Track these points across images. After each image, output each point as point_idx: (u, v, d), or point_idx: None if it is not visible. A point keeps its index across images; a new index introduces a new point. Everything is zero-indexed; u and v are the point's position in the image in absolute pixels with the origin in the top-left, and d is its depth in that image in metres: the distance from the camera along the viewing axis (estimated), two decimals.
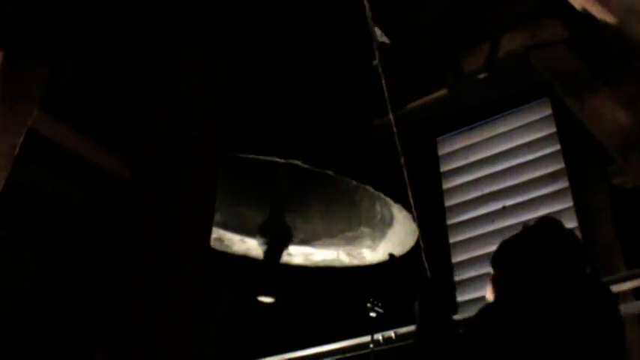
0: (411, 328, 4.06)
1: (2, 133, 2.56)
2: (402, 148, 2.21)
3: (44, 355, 4.30)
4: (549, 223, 2.19)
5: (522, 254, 2.14)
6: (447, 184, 4.44)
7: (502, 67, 3.47)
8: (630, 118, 2.89)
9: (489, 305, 2.09)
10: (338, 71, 2.94)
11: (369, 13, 2.50)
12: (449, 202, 4.38)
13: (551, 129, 4.18)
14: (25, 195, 4.01)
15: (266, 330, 4.54)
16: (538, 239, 2.13)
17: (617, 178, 3.37)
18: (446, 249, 4.28)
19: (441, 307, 2.23)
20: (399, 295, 4.15)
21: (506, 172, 4.26)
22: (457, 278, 4.26)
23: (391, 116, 2.31)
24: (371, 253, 3.10)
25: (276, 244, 2.87)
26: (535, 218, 2.32)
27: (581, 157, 3.88)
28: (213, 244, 3.05)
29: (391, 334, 4.05)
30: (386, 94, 2.36)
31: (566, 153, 4.02)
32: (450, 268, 4.30)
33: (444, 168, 4.52)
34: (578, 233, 2.71)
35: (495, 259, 2.29)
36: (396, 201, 2.70)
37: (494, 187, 4.26)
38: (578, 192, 3.81)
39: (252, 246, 3.12)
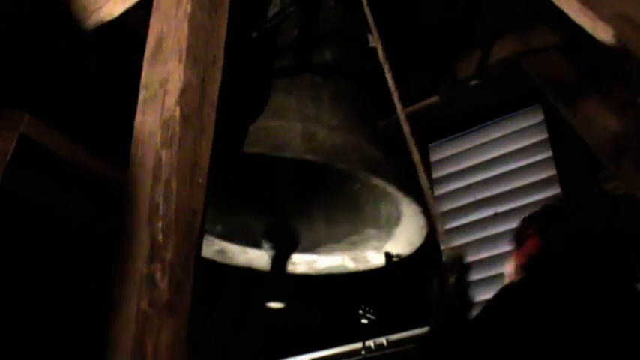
0: (403, 334, 4.08)
1: None
2: (415, 143, 2.20)
3: None
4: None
5: (555, 233, 2.12)
6: (439, 191, 4.44)
7: (494, 74, 3.47)
8: (622, 125, 2.90)
9: (513, 283, 2.07)
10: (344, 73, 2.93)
11: (368, 15, 2.50)
12: (441, 209, 4.38)
13: (542, 135, 4.19)
14: (18, 202, 4.00)
15: (259, 337, 4.53)
16: (574, 220, 2.10)
17: (609, 185, 3.38)
18: (438, 255, 4.28)
19: (458, 290, 2.19)
20: (390, 302, 4.16)
21: (498, 179, 4.26)
22: None
23: (402, 114, 2.30)
24: (377, 256, 3.04)
25: (283, 249, 2.84)
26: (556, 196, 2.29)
27: (573, 164, 3.88)
28: (215, 256, 3.04)
29: (383, 340, 4.07)
30: (394, 92, 2.34)
31: (557, 159, 4.03)
32: None
33: (436, 174, 4.52)
34: None
35: (520, 235, 2.25)
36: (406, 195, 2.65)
37: (486, 194, 4.27)
38: (570, 198, 3.82)
39: (254, 256, 3.07)
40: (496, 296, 2.02)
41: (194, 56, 2.09)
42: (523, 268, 2.16)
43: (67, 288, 4.39)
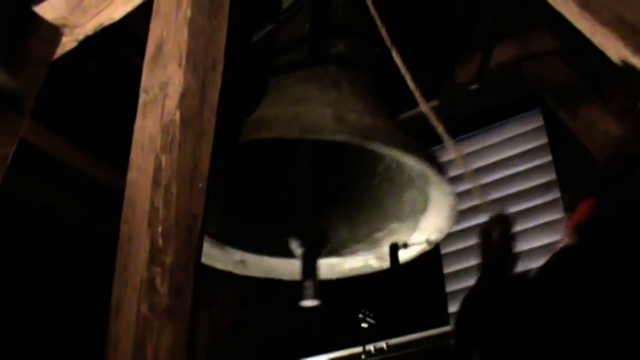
0: (403, 338, 4.08)
1: None
2: (446, 131, 2.22)
3: None
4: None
5: (608, 195, 2.11)
6: None
7: (493, 78, 3.47)
8: (622, 129, 2.90)
9: (567, 246, 2.06)
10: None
11: (375, 15, 2.50)
12: None
13: (542, 140, 4.19)
14: (18, 205, 4.00)
15: (258, 342, 4.53)
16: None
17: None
18: (437, 260, 4.28)
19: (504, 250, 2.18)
20: (391, 306, 4.16)
21: (497, 183, 4.26)
22: (449, 289, 4.26)
23: (426, 107, 2.31)
24: (403, 251, 2.95)
25: (313, 246, 2.81)
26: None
27: (573, 168, 3.88)
28: (236, 268, 3.02)
29: (383, 344, 4.06)
30: (414, 89, 2.35)
31: (557, 164, 4.03)
32: (441, 279, 4.30)
33: None
34: None
35: (572, 201, 2.25)
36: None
37: (486, 198, 4.27)
38: (570, 204, 3.82)
39: (278, 265, 3.05)
40: (551, 259, 2.01)
41: (194, 60, 2.09)
42: (577, 231, 2.15)
43: (67, 291, 4.39)
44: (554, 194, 3.97)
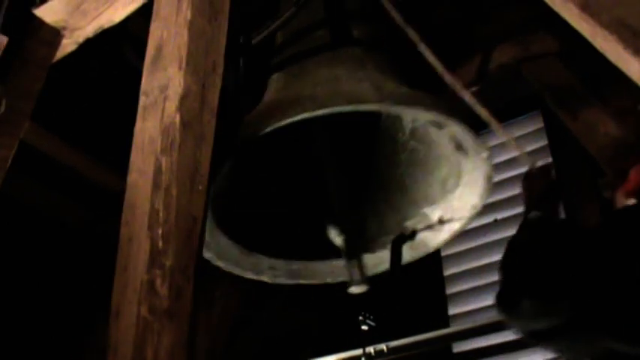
0: (404, 341, 4.07)
1: None
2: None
3: None
4: None
5: None
6: None
7: (493, 80, 3.47)
8: (622, 131, 2.90)
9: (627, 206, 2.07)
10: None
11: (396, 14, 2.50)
12: None
13: (542, 142, 4.19)
14: (18, 207, 4.01)
15: (259, 344, 4.52)
16: None
17: (609, 191, 3.37)
18: (437, 262, 4.28)
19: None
20: (391, 308, 4.16)
21: (498, 186, 4.25)
22: (449, 291, 4.25)
23: (465, 92, 2.31)
24: (435, 236, 2.90)
25: (353, 231, 2.75)
26: None
27: (573, 170, 3.88)
28: (265, 276, 2.98)
29: (383, 347, 4.06)
30: (449, 78, 2.34)
31: (557, 166, 4.02)
32: (441, 281, 4.30)
33: None
34: None
35: (621, 171, 2.26)
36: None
37: (487, 200, 4.26)
38: (570, 205, 3.82)
39: (307, 269, 2.99)
40: (615, 215, 2.02)
41: (194, 63, 2.10)
42: (633, 194, 2.17)
43: (67, 292, 4.39)
44: None
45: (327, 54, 2.74)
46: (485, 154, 2.60)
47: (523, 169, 4.16)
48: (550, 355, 3.70)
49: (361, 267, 2.69)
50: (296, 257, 2.97)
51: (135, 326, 1.63)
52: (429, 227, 2.89)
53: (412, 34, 2.48)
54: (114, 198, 2.17)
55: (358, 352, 4.09)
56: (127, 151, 2.04)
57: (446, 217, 2.86)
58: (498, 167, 4.30)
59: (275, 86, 2.78)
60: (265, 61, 2.93)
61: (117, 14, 2.70)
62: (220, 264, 2.82)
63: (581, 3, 1.86)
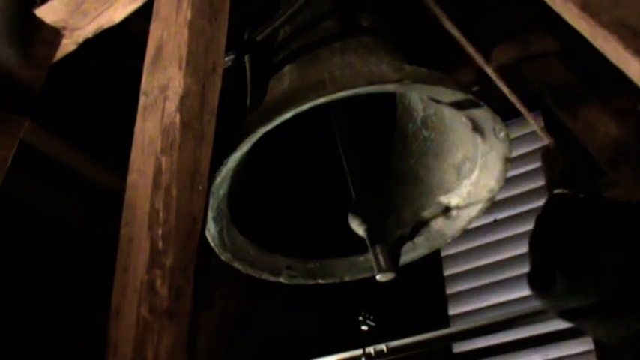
0: (404, 341, 4.08)
1: None
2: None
3: None
4: None
5: None
6: None
7: (493, 80, 3.47)
8: (622, 131, 2.90)
9: None
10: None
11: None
12: None
13: (542, 142, 4.19)
14: (18, 207, 4.01)
15: (259, 343, 4.53)
16: None
17: (609, 191, 3.37)
18: (437, 262, 4.28)
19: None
20: (391, 308, 4.16)
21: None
22: (449, 291, 4.26)
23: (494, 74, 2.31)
24: (452, 224, 2.85)
25: (376, 219, 2.68)
26: None
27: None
28: (281, 276, 2.94)
29: (383, 347, 4.06)
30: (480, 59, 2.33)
31: None
32: (441, 281, 4.30)
33: None
34: None
35: None
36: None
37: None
38: None
39: (324, 267, 2.95)
40: None
41: (194, 63, 2.10)
42: None
43: (67, 293, 4.39)
44: None
45: (337, 44, 2.69)
46: (502, 134, 2.55)
47: (523, 169, 4.19)
48: (551, 355, 3.71)
49: (386, 254, 2.62)
50: (313, 256, 2.94)
51: (135, 326, 1.63)
52: (445, 216, 2.85)
53: (451, 28, 2.47)
54: (114, 198, 2.17)
55: (358, 352, 4.09)
56: (127, 151, 2.04)
57: (462, 204, 2.81)
58: None
59: (288, 76, 2.72)
60: (272, 56, 2.93)
61: (117, 14, 2.70)
62: (237, 265, 2.79)
63: (581, 3, 1.86)
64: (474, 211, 2.82)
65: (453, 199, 2.83)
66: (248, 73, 2.74)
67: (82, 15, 2.72)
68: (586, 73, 3.10)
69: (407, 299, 4.18)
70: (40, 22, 2.73)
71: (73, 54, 2.86)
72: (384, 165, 3.00)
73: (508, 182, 4.19)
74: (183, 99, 2.01)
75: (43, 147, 3.67)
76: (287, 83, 2.67)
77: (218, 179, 2.28)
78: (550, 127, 4.11)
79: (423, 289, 4.24)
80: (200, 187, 1.94)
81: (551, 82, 3.22)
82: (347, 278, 2.97)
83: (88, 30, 2.76)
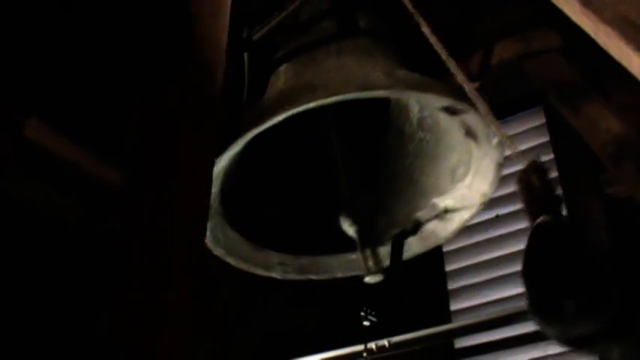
0: (406, 336, 4.07)
1: None
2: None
3: None
4: None
5: None
6: None
7: (495, 76, 3.46)
8: (624, 127, 2.89)
9: None
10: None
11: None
12: None
13: (544, 138, 4.19)
14: (18, 205, 4.00)
15: (259, 340, 4.53)
16: None
17: (611, 187, 3.37)
18: (439, 258, 4.28)
19: None
20: (393, 303, 4.15)
21: (499, 181, 4.25)
22: (451, 287, 4.26)
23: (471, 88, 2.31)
24: (445, 225, 2.87)
25: (366, 221, 2.72)
26: None
27: (575, 167, 3.88)
28: (275, 272, 2.96)
29: (385, 342, 4.05)
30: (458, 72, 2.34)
31: (559, 162, 4.02)
32: (443, 277, 4.30)
33: None
34: None
35: None
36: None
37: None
38: (572, 201, 3.82)
39: (316, 263, 2.97)
40: None
41: None
42: None
43: (67, 291, 4.39)
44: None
45: (334, 44, 2.71)
46: (495, 141, 2.57)
47: (522, 166, 4.18)
48: (551, 351, 3.70)
49: (376, 256, 2.66)
50: (305, 252, 2.95)
51: (135, 325, 1.63)
52: (438, 218, 2.86)
53: (418, 19, 2.47)
54: (114, 197, 2.17)
55: (360, 347, 4.08)
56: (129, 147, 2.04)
57: (455, 206, 2.83)
58: None
59: (283, 76, 2.74)
60: (269, 55, 2.92)
61: None
62: (230, 260, 2.81)
63: None
64: (467, 213, 2.85)
65: (447, 201, 2.85)
66: (246, 71, 2.74)
67: None
68: (588, 69, 3.09)
69: (408, 295, 4.18)
70: None
71: (75, 50, 2.85)
72: (380, 164, 3.01)
73: (510, 178, 4.20)
74: None
75: (45, 145, 3.66)
76: (282, 83, 2.69)
77: None
78: (552, 124, 4.12)
79: (425, 285, 4.24)
80: (202, 184, 1.94)
81: (553, 79, 3.21)
82: (339, 275, 2.98)
83: None
